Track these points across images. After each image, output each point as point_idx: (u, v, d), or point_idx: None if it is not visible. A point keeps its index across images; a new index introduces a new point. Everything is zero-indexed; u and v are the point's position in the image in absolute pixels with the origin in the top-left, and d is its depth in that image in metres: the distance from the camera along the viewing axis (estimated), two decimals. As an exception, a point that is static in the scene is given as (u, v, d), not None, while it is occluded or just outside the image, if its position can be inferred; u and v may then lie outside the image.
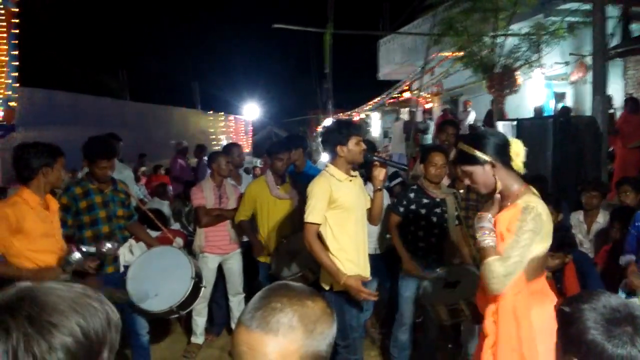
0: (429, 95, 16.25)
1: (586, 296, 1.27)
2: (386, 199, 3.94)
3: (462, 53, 11.32)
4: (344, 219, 2.92)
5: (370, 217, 3.15)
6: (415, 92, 13.63)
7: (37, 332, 0.82)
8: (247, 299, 4.61)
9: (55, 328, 0.84)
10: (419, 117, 13.70)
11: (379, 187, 3.04)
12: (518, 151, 2.14)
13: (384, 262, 4.07)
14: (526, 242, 2.00)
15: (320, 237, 2.90)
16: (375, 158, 3.04)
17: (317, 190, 2.87)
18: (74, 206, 3.32)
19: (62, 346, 0.83)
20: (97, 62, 21.32)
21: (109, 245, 3.11)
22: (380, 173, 2.99)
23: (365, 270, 3.04)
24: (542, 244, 2.05)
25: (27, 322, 0.82)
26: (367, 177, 3.20)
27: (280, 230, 3.90)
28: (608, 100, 7.42)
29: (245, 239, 4.53)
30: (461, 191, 4.09)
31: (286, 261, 3.53)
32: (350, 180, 2.97)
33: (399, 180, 4.96)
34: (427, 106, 16.53)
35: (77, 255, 2.85)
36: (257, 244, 4.09)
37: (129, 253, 3.44)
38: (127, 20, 24.38)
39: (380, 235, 4.10)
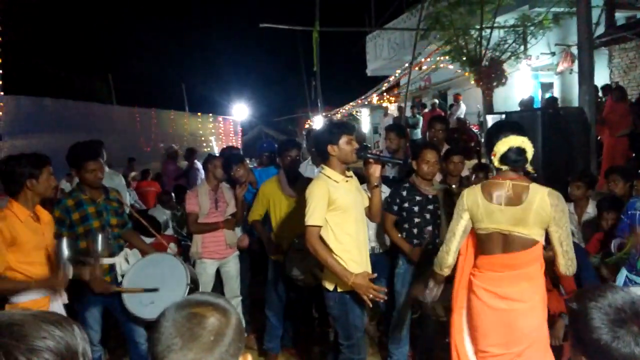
0: (418, 90, 16.26)
1: (592, 293, 1.27)
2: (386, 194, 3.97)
3: (449, 47, 11.36)
4: (344, 220, 2.93)
5: (370, 215, 3.18)
6: (404, 86, 13.64)
7: (13, 344, 0.84)
8: (251, 300, 4.60)
9: (26, 343, 0.85)
10: (408, 112, 13.73)
11: (375, 184, 3.05)
12: (496, 151, 2.49)
13: (382, 261, 4.09)
14: (453, 217, 2.69)
15: (322, 239, 2.90)
16: (369, 155, 3.05)
17: (316, 193, 2.88)
18: (67, 218, 3.28)
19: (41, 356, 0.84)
20: (83, 67, 21.12)
21: (99, 240, 3.05)
22: (375, 170, 3.01)
23: (367, 269, 3.04)
24: (476, 224, 2.59)
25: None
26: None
27: (293, 229, 3.78)
28: (596, 89, 7.47)
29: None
30: (453, 186, 4.12)
31: (297, 261, 3.51)
32: (347, 181, 2.98)
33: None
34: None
35: (64, 249, 2.77)
36: (270, 244, 4.00)
37: (125, 262, 3.41)
38: (112, 23, 24.15)
39: (379, 233, 4.11)
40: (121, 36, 24.78)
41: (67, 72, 19.67)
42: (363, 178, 3.26)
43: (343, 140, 2.92)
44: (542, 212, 2.43)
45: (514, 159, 2.47)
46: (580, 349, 1.22)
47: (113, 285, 3.28)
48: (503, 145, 2.46)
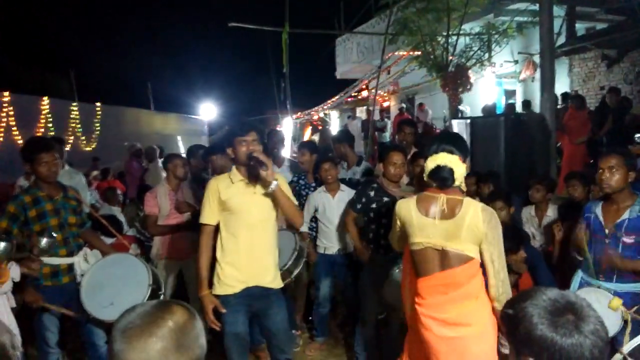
0: (386, 94, 16.44)
1: (525, 295, 1.29)
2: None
3: (416, 53, 11.53)
4: (232, 221, 2.86)
5: (288, 219, 3.07)
6: (372, 90, 13.77)
7: None
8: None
9: None
10: (377, 116, 13.86)
11: (267, 187, 2.82)
12: (426, 166, 2.40)
13: (347, 262, 4.10)
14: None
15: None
16: (253, 156, 2.80)
17: (207, 191, 2.91)
18: (22, 215, 3.16)
19: None
20: (44, 61, 20.41)
21: (43, 241, 3.00)
22: (262, 174, 2.78)
23: (254, 278, 2.88)
24: (409, 239, 2.45)
25: None
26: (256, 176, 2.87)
27: None
28: (555, 98, 7.72)
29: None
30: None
31: None
32: (247, 183, 2.86)
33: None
34: (385, 104, 16.72)
35: (1, 244, 2.73)
36: None
37: (84, 262, 3.30)
38: (75, 17, 23.47)
39: (341, 235, 4.11)
40: (85, 31, 24.16)
41: (28, 66, 18.97)
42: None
43: (236, 142, 2.86)
44: (475, 228, 2.29)
45: (439, 177, 2.34)
46: (526, 352, 1.22)
47: (42, 300, 3.14)
48: (431, 162, 2.36)
